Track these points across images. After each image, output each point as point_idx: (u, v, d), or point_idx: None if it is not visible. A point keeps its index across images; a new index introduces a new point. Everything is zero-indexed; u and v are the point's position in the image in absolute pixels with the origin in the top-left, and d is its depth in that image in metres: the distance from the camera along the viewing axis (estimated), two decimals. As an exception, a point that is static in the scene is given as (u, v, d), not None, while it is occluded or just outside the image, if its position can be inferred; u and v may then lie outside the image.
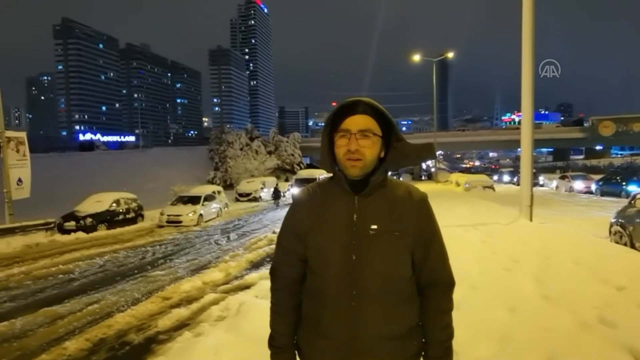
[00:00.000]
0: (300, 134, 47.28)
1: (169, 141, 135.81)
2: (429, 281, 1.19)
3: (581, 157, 57.36)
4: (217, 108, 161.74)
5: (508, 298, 3.62)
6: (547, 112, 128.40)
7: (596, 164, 41.13)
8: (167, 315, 5.03)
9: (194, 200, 15.44)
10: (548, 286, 3.87)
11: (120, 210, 14.08)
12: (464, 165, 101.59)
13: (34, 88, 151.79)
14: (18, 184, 13.30)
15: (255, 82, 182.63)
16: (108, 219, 13.39)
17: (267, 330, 1.26)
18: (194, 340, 3.75)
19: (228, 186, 29.39)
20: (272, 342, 1.24)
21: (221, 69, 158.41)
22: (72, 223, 12.45)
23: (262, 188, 25.15)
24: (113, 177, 27.19)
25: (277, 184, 25.28)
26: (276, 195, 22.08)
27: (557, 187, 24.79)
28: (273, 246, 8.94)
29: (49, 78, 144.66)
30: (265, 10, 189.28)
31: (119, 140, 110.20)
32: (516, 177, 30.70)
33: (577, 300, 3.44)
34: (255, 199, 24.29)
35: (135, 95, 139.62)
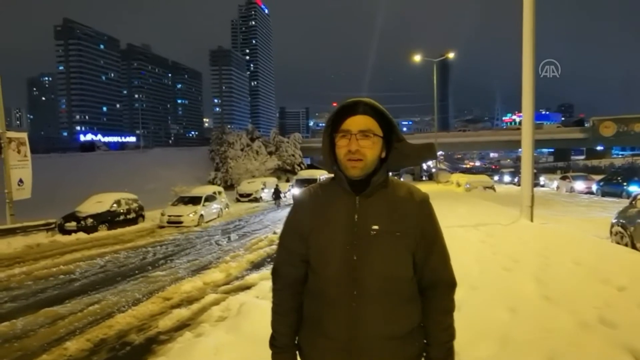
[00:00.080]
0: (301, 134, 47.25)
1: (170, 142, 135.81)
2: (430, 282, 1.19)
3: (582, 157, 57.30)
4: (217, 108, 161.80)
5: (508, 298, 3.62)
6: (548, 113, 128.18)
7: (597, 165, 41.15)
8: (167, 315, 5.03)
9: (195, 200, 15.46)
10: (548, 286, 3.87)
11: (121, 211, 14.10)
12: (464, 166, 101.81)
13: (34, 89, 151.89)
14: (19, 185, 13.32)
15: (255, 83, 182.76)
16: (109, 219, 13.41)
17: (268, 331, 1.27)
18: (195, 340, 3.76)
19: (229, 187, 29.35)
20: (273, 342, 1.25)
21: (222, 69, 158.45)
22: (73, 223, 12.47)
23: (262, 188, 25.11)
24: (114, 178, 27.17)
25: (277, 185, 25.24)
26: (277, 195, 22.05)
27: (557, 187, 24.73)
28: (274, 247, 8.99)
29: (50, 78, 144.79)
30: (266, 10, 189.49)
31: (120, 140, 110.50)
32: (517, 178, 30.65)
33: (578, 301, 3.44)
34: (256, 200, 24.26)
35: (136, 96, 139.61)
